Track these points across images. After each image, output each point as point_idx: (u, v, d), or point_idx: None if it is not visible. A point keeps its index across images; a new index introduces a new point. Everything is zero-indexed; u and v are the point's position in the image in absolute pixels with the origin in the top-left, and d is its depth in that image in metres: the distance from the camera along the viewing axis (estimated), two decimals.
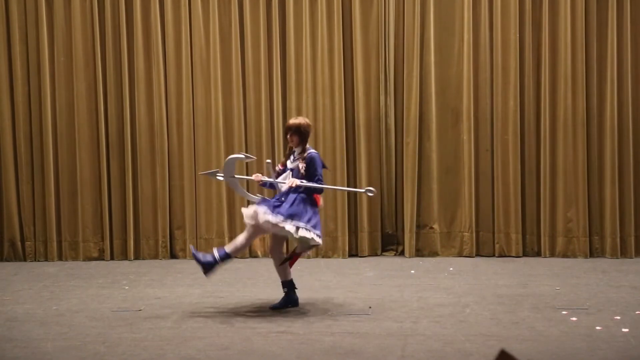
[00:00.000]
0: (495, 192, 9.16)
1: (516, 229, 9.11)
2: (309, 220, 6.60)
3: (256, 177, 6.99)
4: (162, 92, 9.32)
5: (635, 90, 9.03)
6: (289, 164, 6.87)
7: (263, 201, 6.76)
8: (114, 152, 9.39)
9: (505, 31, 9.07)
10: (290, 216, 6.55)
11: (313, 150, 6.83)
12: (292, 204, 6.60)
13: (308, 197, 6.69)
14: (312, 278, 8.21)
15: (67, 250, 9.43)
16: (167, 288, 7.81)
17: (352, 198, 9.34)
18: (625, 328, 6.07)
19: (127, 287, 7.88)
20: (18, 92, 9.35)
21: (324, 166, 6.88)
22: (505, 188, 9.12)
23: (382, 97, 9.23)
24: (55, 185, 9.40)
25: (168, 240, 9.40)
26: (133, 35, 9.29)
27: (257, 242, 9.42)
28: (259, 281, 8.08)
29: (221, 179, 7.15)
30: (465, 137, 9.16)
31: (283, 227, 6.52)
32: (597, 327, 6.10)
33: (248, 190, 7.66)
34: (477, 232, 9.24)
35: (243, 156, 7.54)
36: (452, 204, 9.24)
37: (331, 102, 9.25)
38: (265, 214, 6.56)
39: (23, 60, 9.36)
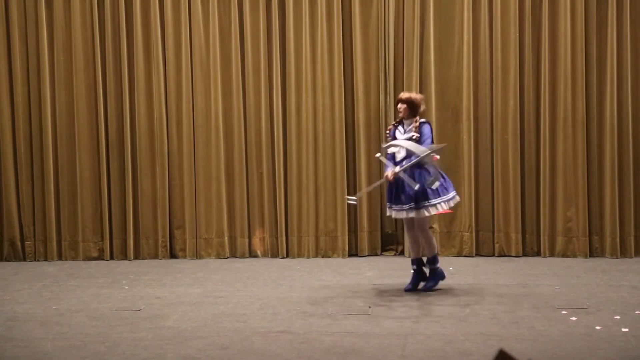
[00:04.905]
0: (495, 192, 9.16)
1: (516, 228, 9.11)
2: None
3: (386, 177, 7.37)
4: (162, 92, 9.32)
5: (635, 90, 9.03)
6: (400, 136, 7.31)
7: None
8: (114, 152, 9.39)
9: (505, 31, 9.06)
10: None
11: (424, 120, 7.36)
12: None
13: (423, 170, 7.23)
14: (311, 278, 8.21)
15: (67, 250, 9.44)
16: (167, 288, 7.81)
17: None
18: (625, 328, 6.07)
19: (127, 287, 7.88)
20: (18, 92, 9.36)
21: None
22: (505, 188, 9.12)
23: (382, 97, 9.23)
24: (55, 185, 9.40)
25: (168, 240, 9.41)
26: (133, 35, 9.29)
27: (256, 242, 9.43)
28: (259, 281, 8.08)
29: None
30: (465, 137, 9.16)
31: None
32: (597, 327, 6.10)
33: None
34: (477, 232, 9.24)
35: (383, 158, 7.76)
36: None
37: (331, 102, 9.25)
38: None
39: (23, 60, 9.37)
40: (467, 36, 9.10)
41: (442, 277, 7.46)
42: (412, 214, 7.20)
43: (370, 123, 9.26)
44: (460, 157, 9.18)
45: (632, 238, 9.02)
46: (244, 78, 9.33)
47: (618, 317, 6.37)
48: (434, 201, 7.18)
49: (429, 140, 7.27)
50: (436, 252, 7.43)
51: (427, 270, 7.49)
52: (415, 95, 7.42)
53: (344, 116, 9.25)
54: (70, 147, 9.39)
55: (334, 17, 9.21)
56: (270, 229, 9.39)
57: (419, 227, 7.38)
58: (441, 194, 7.21)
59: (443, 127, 9.21)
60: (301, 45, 9.24)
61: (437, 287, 7.41)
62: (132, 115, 9.34)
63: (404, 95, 7.42)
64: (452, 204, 7.32)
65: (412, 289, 7.40)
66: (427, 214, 7.24)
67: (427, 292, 7.33)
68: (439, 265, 7.45)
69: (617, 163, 8.98)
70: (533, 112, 9.10)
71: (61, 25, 9.33)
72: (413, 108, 7.28)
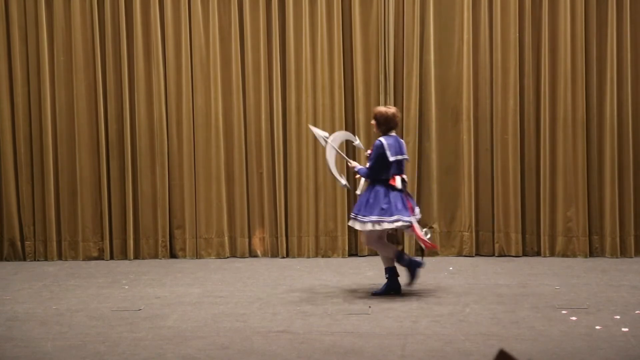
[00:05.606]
0: (495, 192, 9.16)
1: (516, 228, 9.11)
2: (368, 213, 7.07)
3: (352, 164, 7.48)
4: (162, 92, 9.33)
5: (635, 90, 9.03)
6: None
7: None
8: (114, 152, 9.39)
9: (505, 31, 9.07)
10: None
11: (382, 138, 7.19)
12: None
13: (376, 187, 7.15)
14: (311, 277, 8.21)
15: (67, 249, 9.44)
16: (167, 288, 7.82)
17: (353, 197, 9.33)
18: (625, 327, 6.07)
19: (127, 287, 7.88)
20: (18, 92, 9.36)
21: (401, 153, 7.20)
22: (505, 188, 9.12)
23: (382, 97, 9.23)
24: (55, 185, 9.40)
25: (168, 239, 9.41)
26: (133, 35, 9.29)
27: (256, 242, 9.43)
28: (259, 281, 8.08)
29: (323, 143, 7.47)
30: (465, 137, 9.16)
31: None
32: (597, 327, 6.11)
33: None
34: (477, 232, 9.24)
35: (356, 139, 7.86)
36: (451, 204, 9.24)
37: (331, 102, 9.25)
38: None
39: (23, 60, 9.37)
40: (467, 36, 9.11)
41: (418, 264, 7.23)
42: (351, 223, 7.30)
43: (371, 123, 9.25)
44: (460, 157, 9.19)
45: (632, 238, 9.03)
46: (244, 78, 9.33)
47: (618, 317, 6.37)
48: (360, 217, 7.11)
49: (374, 162, 7.12)
50: (393, 252, 7.23)
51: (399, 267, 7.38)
52: (383, 110, 7.25)
53: (344, 116, 9.26)
54: (70, 147, 9.39)
55: (334, 17, 9.21)
56: (270, 229, 9.39)
57: (366, 240, 7.53)
58: (371, 214, 7.05)
59: (443, 127, 9.21)
60: (301, 45, 9.24)
61: (420, 273, 7.31)
62: (132, 115, 9.34)
63: (374, 109, 7.47)
64: (380, 227, 7.04)
65: (378, 294, 7.27)
66: (358, 227, 7.19)
67: (427, 292, 7.34)
68: (406, 257, 7.27)
69: (617, 163, 8.98)
70: (533, 112, 9.10)
71: (61, 25, 9.33)
72: (378, 123, 7.24)
